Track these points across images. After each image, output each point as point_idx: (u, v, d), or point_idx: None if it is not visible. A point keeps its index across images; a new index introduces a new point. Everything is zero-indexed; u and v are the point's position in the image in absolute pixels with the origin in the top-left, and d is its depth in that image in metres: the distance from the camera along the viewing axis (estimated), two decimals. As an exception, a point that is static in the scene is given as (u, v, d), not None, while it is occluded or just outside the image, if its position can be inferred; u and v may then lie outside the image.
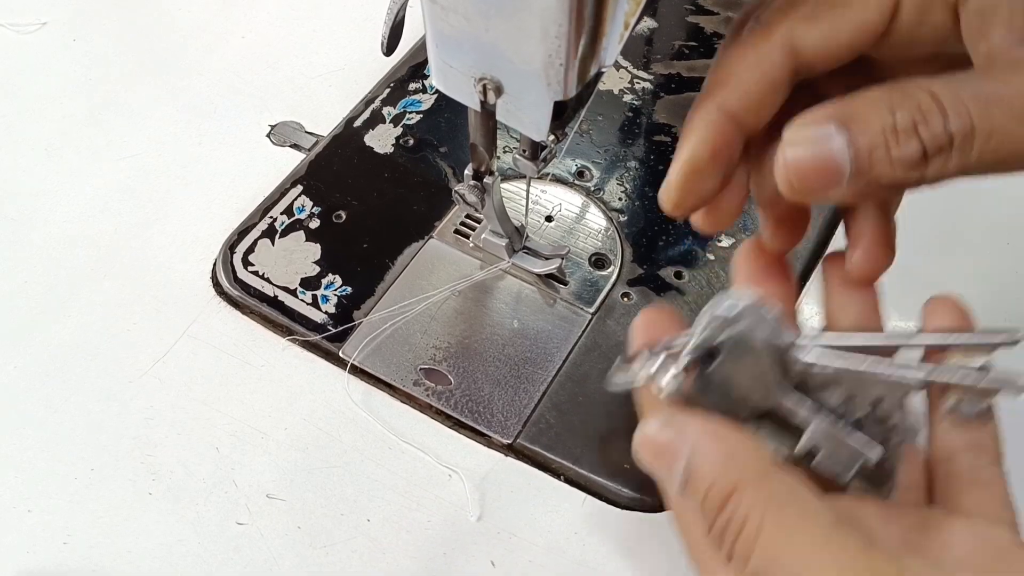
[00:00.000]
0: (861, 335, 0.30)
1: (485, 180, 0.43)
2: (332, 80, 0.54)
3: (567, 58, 0.33)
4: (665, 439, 0.28)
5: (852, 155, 0.26)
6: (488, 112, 0.37)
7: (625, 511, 0.40)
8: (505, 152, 0.50)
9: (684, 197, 0.31)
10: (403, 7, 0.40)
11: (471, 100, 0.37)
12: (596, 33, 0.33)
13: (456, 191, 0.43)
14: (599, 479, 0.40)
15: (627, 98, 0.53)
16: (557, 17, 0.31)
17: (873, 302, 0.32)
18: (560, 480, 0.41)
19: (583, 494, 0.40)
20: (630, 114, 0.53)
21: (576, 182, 0.50)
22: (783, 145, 0.27)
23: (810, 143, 0.27)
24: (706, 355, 0.29)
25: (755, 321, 0.29)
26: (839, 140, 0.26)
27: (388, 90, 0.53)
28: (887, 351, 0.30)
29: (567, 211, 0.49)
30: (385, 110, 0.52)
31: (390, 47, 0.42)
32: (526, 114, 0.36)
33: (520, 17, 0.32)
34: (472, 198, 0.43)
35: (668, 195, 0.31)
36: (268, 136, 0.52)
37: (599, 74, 0.36)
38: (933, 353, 0.30)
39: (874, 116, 0.26)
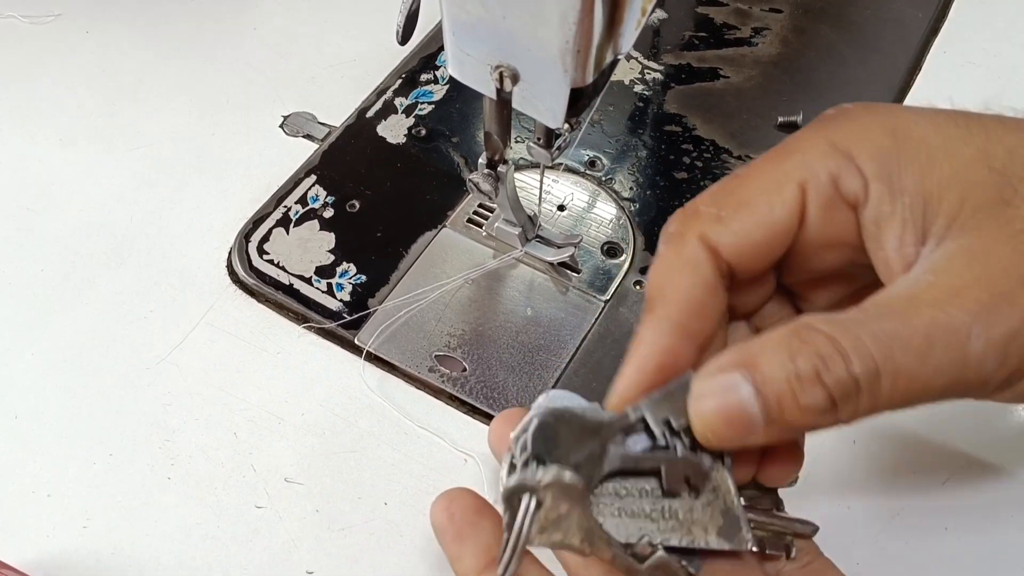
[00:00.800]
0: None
1: (499, 169, 0.43)
2: (344, 71, 0.55)
3: (584, 44, 0.33)
4: None
5: (761, 404, 0.26)
6: (504, 100, 0.38)
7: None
8: (518, 142, 0.50)
9: (627, 395, 0.30)
10: (419, -4, 0.40)
11: (487, 88, 0.37)
12: (614, 19, 0.33)
13: (470, 180, 0.44)
14: (613, 464, 0.41)
15: (637, 88, 0.54)
16: (575, 3, 0.32)
17: None
18: (574, 465, 0.41)
19: (597, 478, 0.40)
20: (640, 104, 0.53)
21: (588, 172, 0.50)
22: (692, 397, 0.28)
23: (718, 394, 0.27)
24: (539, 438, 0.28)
25: (571, 401, 0.29)
26: (746, 389, 0.26)
27: (400, 81, 0.54)
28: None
29: (579, 200, 0.49)
30: (397, 101, 0.53)
31: (405, 36, 0.42)
32: (542, 101, 0.37)
33: (538, 3, 0.32)
34: (486, 187, 0.43)
35: (612, 401, 0.30)
36: (281, 127, 0.52)
37: (615, 61, 0.36)
38: None
39: (777, 364, 0.26)
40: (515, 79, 0.36)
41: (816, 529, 0.31)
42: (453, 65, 0.38)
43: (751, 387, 0.26)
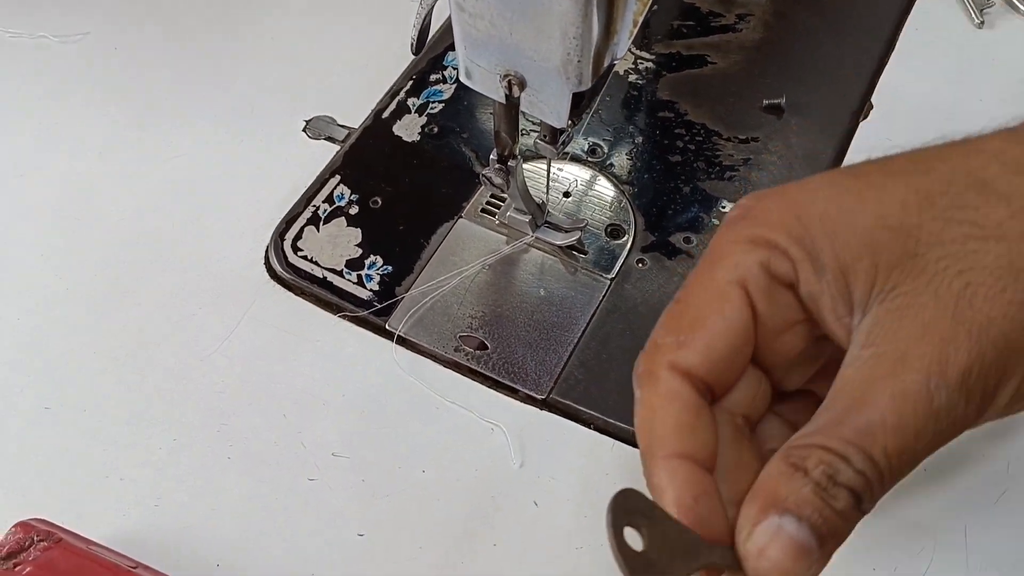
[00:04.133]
0: None
1: (509, 164, 0.47)
2: (358, 75, 0.59)
3: (583, 55, 0.37)
4: None
5: (809, 530, 0.27)
6: (512, 104, 0.42)
7: (650, 453, 0.44)
8: (524, 135, 0.54)
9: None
10: (430, 11, 0.44)
11: (497, 94, 0.41)
12: (608, 32, 0.37)
13: (483, 174, 0.48)
14: (623, 425, 0.45)
15: (632, 78, 0.58)
16: (574, 20, 0.36)
17: None
18: (591, 429, 0.45)
19: (612, 440, 0.45)
20: (635, 93, 0.57)
21: (589, 159, 0.54)
22: (749, 558, 0.28)
23: (771, 542, 0.28)
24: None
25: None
26: (788, 522, 0.27)
27: (411, 82, 0.58)
28: None
29: (582, 186, 0.53)
30: (410, 101, 0.57)
31: (419, 46, 0.46)
32: (547, 105, 0.41)
33: (541, 21, 0.36)
34: (498, 180, 0.48)
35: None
36: (304, 131, 0.56)
37: (612, 65, 0.40)
38: None
39: (798, 488, 0.28)
40: (522, 85, 0.41)
41: None
42: (465, 75, 0.42)
43: (791, 520, 0.27)
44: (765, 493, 0.28)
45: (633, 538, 0.30)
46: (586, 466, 0.44)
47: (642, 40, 0.60)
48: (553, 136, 0.45)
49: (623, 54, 0.39)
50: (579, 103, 0.41)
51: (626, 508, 0.30)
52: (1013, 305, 0.28)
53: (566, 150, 0.54)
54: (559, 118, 0.41)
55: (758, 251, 0.31)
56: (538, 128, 0.45)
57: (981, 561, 0.41)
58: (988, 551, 0.42)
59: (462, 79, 0.42)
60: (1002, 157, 0.30)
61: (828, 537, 0.28)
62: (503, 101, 0.42)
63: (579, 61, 0.37)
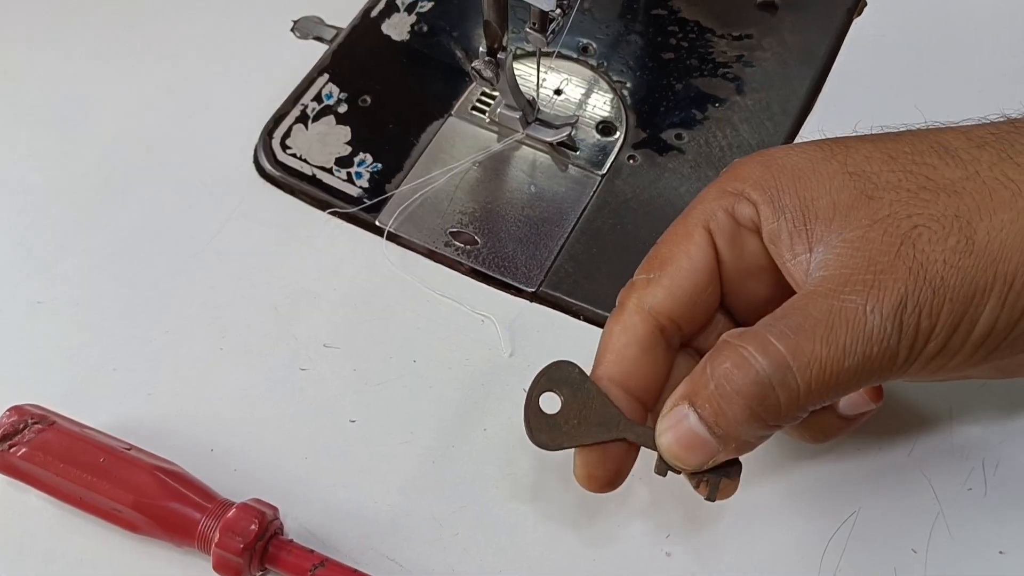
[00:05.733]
0: None
1: (499, 56, 0.47)
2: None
3: (571, -71, 0.37)
4: None
5: (705, 427, 0.30)
6: (501, -14, 0.41)
7: (639, 342, 0.45)
8: (514, 33, 0.54)
9: (590, 478, 0.34)
10: None
11: (485, -24, 0.41)
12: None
13: (473, 67, 0.47)
14: (615, 317, 0.45)
15: (625, -23, 0.57)
16: None
17: None
18: (580, 320, 0.46)
19: (600, 329, 0.45)
20: (628, -8, 0.56)
21: (581, 57, 0.54)
22: (657, 432, 0.32)
23: (672, 427, 0.31)
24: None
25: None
26: (692, 416, 0.30)
27: (400, -19, 0.57)
28: None
29: (574, 84, 0.53)
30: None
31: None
32: (536, -14, 0.40)
33: None
34: (488, 73, 0.47)
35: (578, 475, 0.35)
36: (292, 31, 0.56)
37: (600, -55, 0.39)
38: None
39: (704, 386, 0.30)
40: (510, -34, 0.40)
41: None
42: (452, -43, 0.41)
43: (693, 413, 0.30)
44: (690, 382, 0.31)
45: (551, 403, 0.33)
46: (576, 355, 0.44)
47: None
48: (543, 23, 0.44)
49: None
50: (568, -15, 0.40)
51: (555, 376, 0.34)
52: (955, 253, 0.29)
53: (557, 48, 0.54)
54: (548, 0, 0.40)
55: (725, 199, 0.33)
56: (527, 22, 0.44)
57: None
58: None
59: (449, -38, 0.41)
60: (969, 133, 0.32)
61: (730, 439, 0.30)
62: (491, -16, 0.41)
63: (566, -64, 0.37)
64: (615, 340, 0.34)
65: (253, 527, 0.37)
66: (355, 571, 0.38)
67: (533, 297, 0.46)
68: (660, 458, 0.33)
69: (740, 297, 0.35)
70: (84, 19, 0.56)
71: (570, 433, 0.33)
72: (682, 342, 0.35)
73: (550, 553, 0.40)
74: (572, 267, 0.47)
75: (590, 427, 0.33)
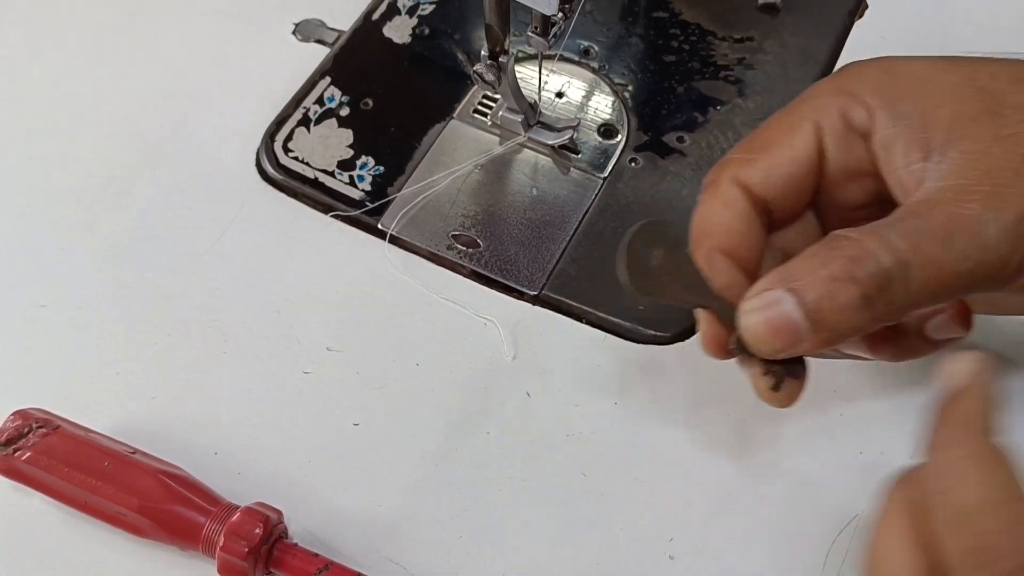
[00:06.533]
0: None
1: (500, 60, 0.47)
2: (347, -23, 0.58)
3: (574, -66, 0.37)
4: None
5: (803, 312, 0.30)
6: (503, -10, 0.41)
7: (640, 345, 0.45)
8: (516, 36, 0.54)
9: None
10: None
11: (487, -19, 0.41)
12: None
13: (475, 71, 0.47)
14: (616, 320, 0.45)
15: (626, -21, 0.57)
16: None
17: None
18: (582, 323, 0.46)
19: (604, 333, 0.45)
20: (629, -6, 0.56)
21: (582, 60, 0.54)
22: (740, 312, 0.32)
23: (763, 308, 0.31)
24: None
25: None
26: (788, 300, 0.30)
27: (402, -17, 0.57)
28: None
29: (576, 87, 0.53)
30: (400, 2, 0.56)
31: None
32: (538, -10, 0.40)
33: (530, -102, 0.36)
34: (490, 76, 0.47)
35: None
36: (293, 33, 0.56)
37: (603, -51, 0.40)
38: None
39: (812, 272, 0.30)
40: (513, -29, 0.40)
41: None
42: (455, -39, 0.41)
43: (792, 298, 0.30)
44: (786, 269, 0.31)
45: (644, 257, 0.33)
46: (578, 358, 0.45)
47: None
48: (544, 27, 0.44)
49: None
50: (570, -11, 0.40)
51: (654, 231, 0.34)
52: None
53: (559, 51, 0.54)
54: (549, 4, 0.41)
55: (841, 97, 0.33)
56: (529, 25, 0.44)
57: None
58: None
59: (451, -34, 0.41)
60: None
61: (822, 328, 0.30)
62: (493, -11, 0.41)
63: (570, -59, 0.37)
64: (718, 215, 0.34)
65: (258, 531, 0.37)
66: (359, 574, 0.38)
67: (535, 300, 0.47)
68: (736, 340, 0.33)
69: (832, 199, 0.35)
70: (85, 20, 0.56)
71: (661, 288, 0.33)
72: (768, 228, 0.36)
73: (553, 556, 0.40)
74: (574, 270, 0.47)
75: (679, 288, 0.33)
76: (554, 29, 0.45)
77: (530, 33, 0.45)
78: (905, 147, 0.32)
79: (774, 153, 0.34)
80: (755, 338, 0.32)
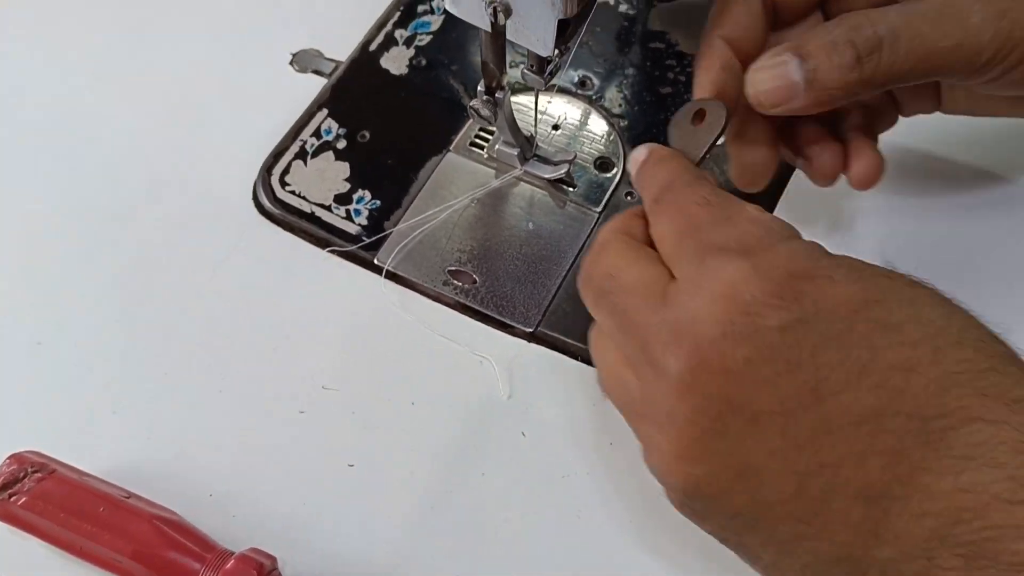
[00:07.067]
0: None
1: (497, 95, 0.47)
2: (344, 5, 0.57)
3: (568, -20, 0.37)
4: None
5: (804, 73, 0.36)
6: (498, 32, 0.41)
7: (638, 384, 0.45)
8: (513, 67, 0.54)
9: (707, 88, 0.39)
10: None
11: (483, 22, 0.41)
12: (593, -44, 0.37)
13: (471, 106, 0.47)
14: (613, 358, 0.45)
15: (622, 8, 0.57)
16: (558, -57, 0.35)
17: None
18: (578, 360, 0.46)
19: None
20: (626, 24, 0.56)
21: (579, 92, 0.54)
22: (752, 70, 0.37)
23: (772, 67, 0.37)
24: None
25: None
26: (794, 63, 0.36)
27: (399, 13, 0.57)
28: None
29: (572, 119, 0.53)
30: (397, 32, 0.56)
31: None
32: (533, 32, 0.40)
33: (524, -55, 0.36)
34: (486, 112, 0.47)
35: (698, 90, 0.40)
36: (290, 64, 0.56)
37: (598, -8, 0.40)
38: None
39: (818, 39, 0.36)
40: (508, 12, 0.40)
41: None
42: (450, 1, 0.41)
43: (797, 60, 0.36)
44: (800, 40, 0.36)
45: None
46: (574, 397, 0.45)
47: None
48: (540, 66, 0.44)
49: (609, -20, 0.39)
50: (565, 30, 0.40)
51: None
52: None
53: (555, 82, 0.53)
54: (545, 46, 0.41)
55: None
56: (526, 59, 0.44)
57: None
58: None
59: (447, 6, 0.41)
60: None
61: (815, 85, 0.36)
62: (489, 29, 0.41)
63: (564, -13, 0.37)
64: (729, 4, 0.39)
65: (252, 578, 0.37)
66: (354, 620, 0.38)
67: (531, 337, 0.46)
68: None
69: None
70: (81, 41, 0.56)
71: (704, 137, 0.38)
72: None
73: (549, 599, 0.40)
74: (570, 306, 0.47)
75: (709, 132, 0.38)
76: (550, 67, 0.44)
77: (525, 71, 0.45)
78: None
79: None
80: (759, 93, 0.37)
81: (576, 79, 0.54)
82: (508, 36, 0.41)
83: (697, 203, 0.33)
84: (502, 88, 0.46)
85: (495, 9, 0.40)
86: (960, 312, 0.30)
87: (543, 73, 0.45)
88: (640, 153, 0.38)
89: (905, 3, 0.36)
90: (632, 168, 0.38)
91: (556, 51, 0.43)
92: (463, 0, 0.41)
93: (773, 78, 0.36)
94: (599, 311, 0.35)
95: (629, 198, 0.50)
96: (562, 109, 0.53)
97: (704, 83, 0.39)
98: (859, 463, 0.28)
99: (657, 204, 0.35)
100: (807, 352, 0.29)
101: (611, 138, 0.52)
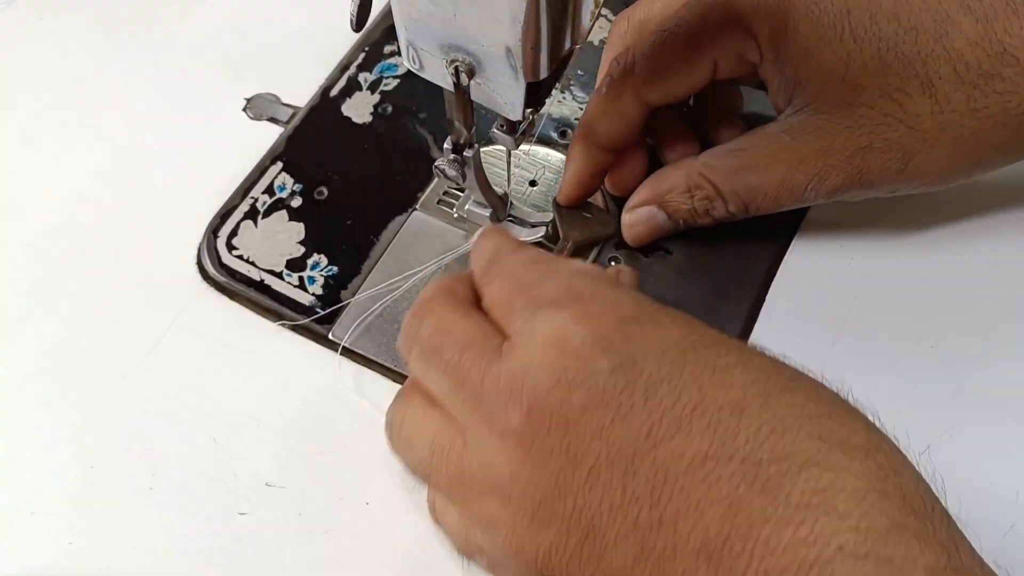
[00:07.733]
0: None
1: (465, 153, 0.42)
2: (304, 46, 0.53)
3: (537, 42, 0.32)
4: None
5: (664, 218, 0.44)
6: (463, 90, 0.37)
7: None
8: (484, 116, 0.49)
9: (574, 197, 0.45)
10: (369, -18, 0.39)
11: (445, 81, 0.36)
12: (565, 15, 0.32)
13: (436, 166, 0.43)
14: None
15: (608, 49, 0.52)
16: (525, 1, 0.30)
17: None
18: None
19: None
20: (612, 66, 0.52)
21: (560, 141, 0.49)
22: (625, 224, 0.45)
23: (643, 222, 0.44)
24: None
25: None
26: (662, 216, 0.44)
27: (363, 55, 0.52)
28: None
29: (551, 172, 0.48)
30: (361, 76, 0.51)
31: (359, 23, 0.40)
32: (500, 95, 0.36)
33: (487, 1, 0.31)
34: (452, 172, 0.42)
35: (564, 197, 0.45)
36: (244, 110, 0.51)
37: (571, 51, 0.35)
38: None
39: (681, 202, 0.43)
40: (471, 73, 0.35)
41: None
42: (408, 59, 0.37)
43: (665, 215, 0.43)
44: (657, 190, 0.43)
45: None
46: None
47: (623, 5, 0.54)
48: (511, 126, 0.39)
49: (585, 39, 0.34)
50: (536, 92, 0.35)
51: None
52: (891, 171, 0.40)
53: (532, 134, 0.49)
54: (514, 110, 0.36)
55: (738, 38, 0.40)
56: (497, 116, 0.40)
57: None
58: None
59: (407, 65, 0.37)
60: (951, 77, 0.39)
61: (675, 216, 0.44)
62: (451, 89, 0.36)
63: (532, 48, 0.32)
64: (610, 122, 0.43)
65: None
66: None
67: (503, 425, 0.42)
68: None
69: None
70: (12, 96, 0.52)
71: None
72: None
73: None
74: (546, 389, 0.42)
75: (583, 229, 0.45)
76: (522, 126, 0.40)
77: (495, 130, 0.40)
78: (776, 89, 0.41)
79: (674, 81, 0.41)
80: (636, 240, 0.45)
81: (556, 128, 0.49)
82: (473, 98, 0.36)
83: (524, 265, 0.34)
84: (471, 146, 0.42)
85: (457, 69, 0.35)
86: (789, 365, 0.30)
87: (515, 133, 0.40)
88: (475, 235, 0.39)
89: (749, 172, 0.41)
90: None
91: (528, 111, 0.38)
92: (423, 56, 0.36)
93: (645, 225, 0.44)
94: (429, 371, 0.33)
95: (612, 263, 0.45)
96: (540, 162, 0.48)
97: (572, 190, 0.45)
98: (697, 514, 0.27)
99: (486, 275, 0.35)
100: (639, 395, 0.28)
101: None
